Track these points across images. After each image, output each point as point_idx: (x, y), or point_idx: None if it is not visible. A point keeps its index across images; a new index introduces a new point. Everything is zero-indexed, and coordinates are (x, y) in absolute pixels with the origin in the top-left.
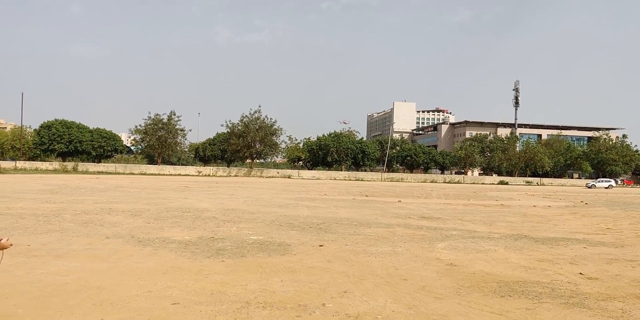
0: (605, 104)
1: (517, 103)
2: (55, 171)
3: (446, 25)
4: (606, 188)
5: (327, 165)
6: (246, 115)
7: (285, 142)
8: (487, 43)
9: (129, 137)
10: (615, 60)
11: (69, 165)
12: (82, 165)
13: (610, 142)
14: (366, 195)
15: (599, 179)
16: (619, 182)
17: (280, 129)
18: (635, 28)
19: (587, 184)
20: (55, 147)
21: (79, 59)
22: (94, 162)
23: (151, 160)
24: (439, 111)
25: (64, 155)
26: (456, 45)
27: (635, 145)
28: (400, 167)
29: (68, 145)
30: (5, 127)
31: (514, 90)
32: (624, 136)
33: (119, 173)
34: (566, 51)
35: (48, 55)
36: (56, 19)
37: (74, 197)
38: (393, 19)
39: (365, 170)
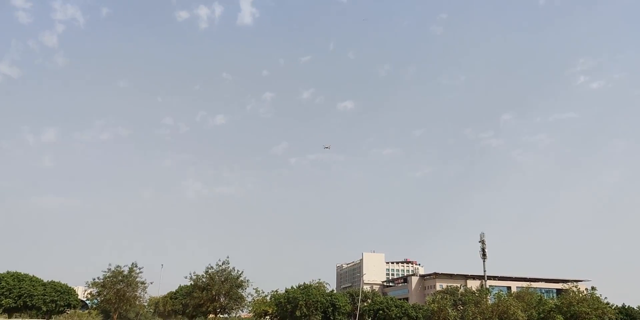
0: (571, 255)
1: (484, 255)
2: None
3: (409, 180)
4: None
5: (296, 319)
6: (212, 267)
7: (252, 295)
8: (450, 196)
9: (85, 291)
10: (574, 216)
11: None
12: None
13: (581, 295)
14: None
15: None
16: None
17: (247, 280)
18: (598, 180)
19: None
20: (2, 302)
21: (43, 210)
22: (44, 318)
23: (107, 316)
24: (407, 262)
25: (10, 311)
26: (420, 198)
27: (605, 298)
28: None
29: (17, 299)
30: None
31: (480, 242)
32: (593, 288)
33: None
34: (528, 203)
35: (8, 206)
36: (25, 170)
37: None
38: (358, 174)
39: None
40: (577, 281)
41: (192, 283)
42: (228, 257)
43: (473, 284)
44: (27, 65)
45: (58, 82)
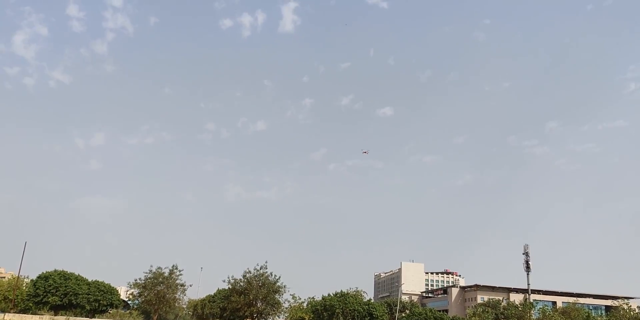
0: (620, 270)
1: (528, 267)
2: None
3: (449, 188)
4: None
5: None
6: (249, 271)
7: (289, 301)
8: (492, 205)
9: (127, 291)
10: (624, 229)
11: (60, 319)
12: None
13: (632, 313)
14: None
15: None
16: None
17: (284, 286)
18: None
19: None
20: (49, 299)
21: (90, 211)
22: (87, 316)
23: (147, 317)
24: (447, 273)
25: (56, 309)
26: (461, 207)
27: None
28: None
29: (62, 298)
30: (4, 277)
31: (523, 254)
32: None
33: None
34: (574, 214)
35: (58, 207)
36: (73, 172)
37: None
38: (397, 181)
39: None
40: (628, 298)
41: (230, 287)
42: (266, 262)
43: (516, 298)
44: (78, 72)
45: (107, 88)
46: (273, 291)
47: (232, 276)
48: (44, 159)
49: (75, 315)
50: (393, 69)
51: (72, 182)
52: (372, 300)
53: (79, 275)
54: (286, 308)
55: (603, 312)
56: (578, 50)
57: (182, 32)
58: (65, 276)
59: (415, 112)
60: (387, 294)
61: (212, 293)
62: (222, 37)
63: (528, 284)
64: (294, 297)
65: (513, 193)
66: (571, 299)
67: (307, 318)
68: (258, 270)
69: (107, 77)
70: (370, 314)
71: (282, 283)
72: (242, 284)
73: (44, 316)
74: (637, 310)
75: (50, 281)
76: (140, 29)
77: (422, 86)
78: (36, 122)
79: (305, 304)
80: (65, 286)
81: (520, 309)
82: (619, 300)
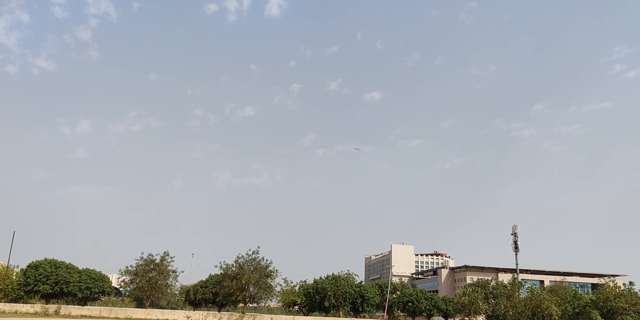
0: (606, 249)
1: (516, 248)
2: (35, 314)
3: (438, 171)
4: None
5: (324, 310)
6: (242, 256)
7: (281, 285)
8: (480, 187)
9: (119, 278)
10: (609, 209)
11: (51, 308)
12: (64, 308)
13: (617, 290)
14: None
15: None
16: None
17: (276, 270)
18: (634, 171)
19: None
20: (40, 288)
21: (78, 199)
22: (79, 304)
23: (139, 303)
24: (437, 255)
25: (48, 297)
26: (450, 189)
27: None
28: (402, 314)
29: (54, 286)
30: None
31: (512, 234)
32: (631, 283)
33: (103, 317)
34: (561, 195)
35: (46, 195)
36: (60, 161)
37: None
38: (386, 165)
39: (364, 317)
40: (613, 276)
41: (222, 272)
42: (259, 247)
43: (504, 278)
44: (62, 59)
45: (92, 75)
46: (265, 275)
47: (224, 261)
48: (30, 147)
49: (67, 304)
50: (380, 53)
51: (60, 170)
52: (364, 283)
53: (69, 263)
54: (278, 292)
55: (589, 289)
56: (564, 32)
57: (166, 17)
58: (55, 265)
59: (403, 96)
60: (378, 276)
61: (204, 279)
62: (208, 22)
63: (516, 264)
64: (286, 281)
65: (501, 175)
66: (558, 278)
67: (299, 301)
68: (250, 255)
69: (92, 64)
70: (362, 296)
71: (274, 267)
72: (234, 269)
73: (36, 305)
74: (622, 288)
75: (41, 270)
76: (124, 15)
77: (409, 70)
78: (21, 111)
79: (297, 288)
80: (56, 275)
81: (509, 288)
82: (605, 278)
